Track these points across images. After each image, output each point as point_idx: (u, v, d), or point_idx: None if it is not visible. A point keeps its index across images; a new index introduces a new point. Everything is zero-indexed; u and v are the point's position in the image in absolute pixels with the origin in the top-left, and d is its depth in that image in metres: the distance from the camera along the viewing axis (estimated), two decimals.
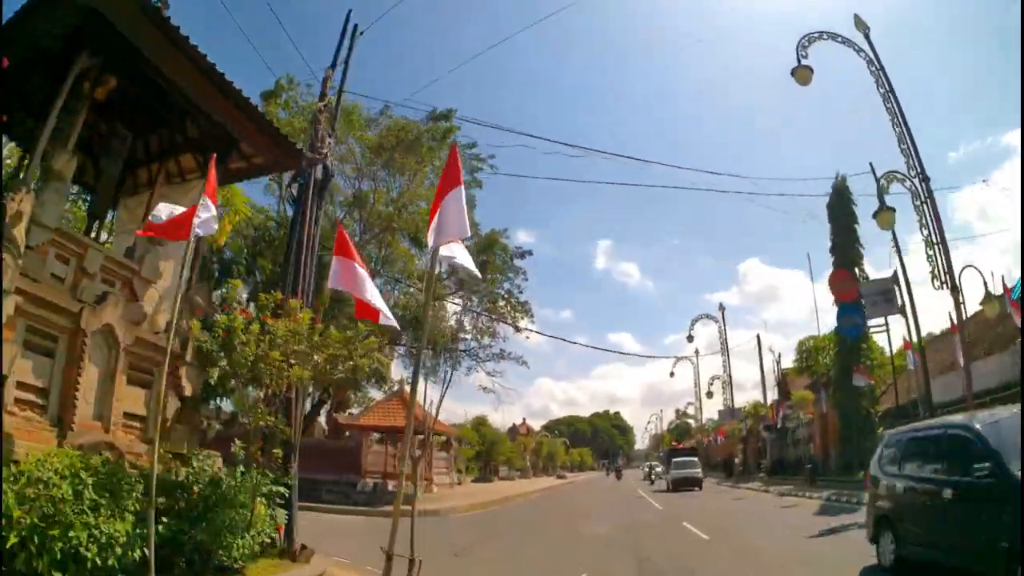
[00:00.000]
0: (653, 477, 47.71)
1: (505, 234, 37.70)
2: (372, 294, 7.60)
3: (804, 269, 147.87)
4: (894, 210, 21.45)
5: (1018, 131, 35.90)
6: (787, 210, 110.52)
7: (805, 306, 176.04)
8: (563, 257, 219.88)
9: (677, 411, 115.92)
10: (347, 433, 31.13)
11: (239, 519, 7.99)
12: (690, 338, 43.92)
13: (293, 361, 9.60)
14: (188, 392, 9.89)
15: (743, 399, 74.21)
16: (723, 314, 47.45)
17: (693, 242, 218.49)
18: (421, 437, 35.67)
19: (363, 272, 7.54)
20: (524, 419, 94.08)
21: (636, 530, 17.67)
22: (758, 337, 42.26)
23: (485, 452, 58.57)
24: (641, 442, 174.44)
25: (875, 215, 21.86)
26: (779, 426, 41.87)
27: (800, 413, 37.47)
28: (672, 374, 68.80)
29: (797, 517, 18.94)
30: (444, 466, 41.86)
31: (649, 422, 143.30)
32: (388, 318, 7.87)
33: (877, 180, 22.91)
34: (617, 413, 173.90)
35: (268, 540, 8.98)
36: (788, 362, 44.06)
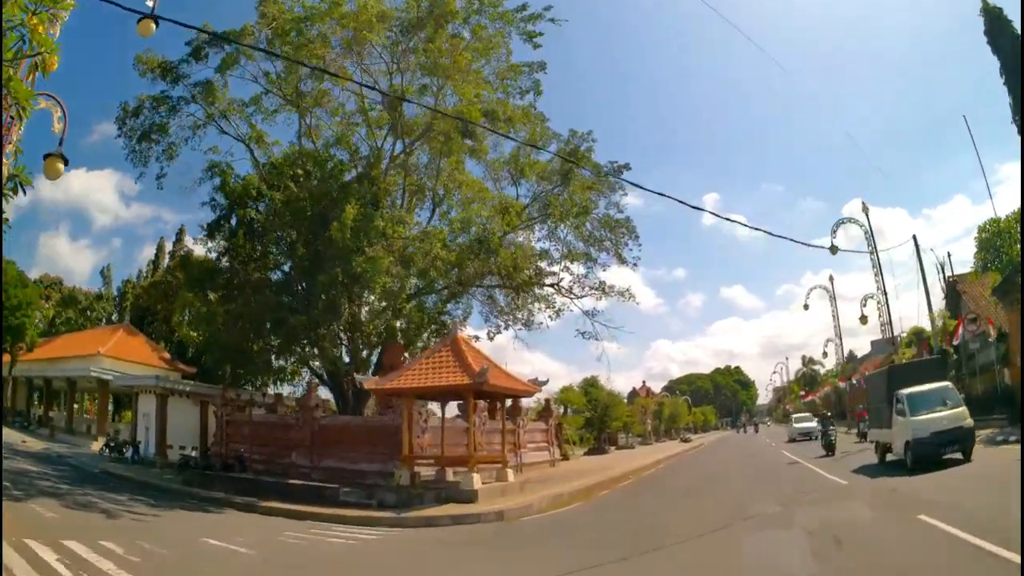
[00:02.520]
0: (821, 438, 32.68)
1: (591, 139, 28.75)
2: None
3: (905, 205, 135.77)
4: None
5: None
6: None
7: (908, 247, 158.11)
8: (670, 215, 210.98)
9: (803, 358, 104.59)
10: (391, 405, 23.38)
11: None
12: (833, 249, 33.65)
13: None
14: None
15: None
16: (868, 214, 36.52)
17: (797, 188, 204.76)
18: (483, 402, 28.42)
19: None
20: (644, 381, 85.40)
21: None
22: (914, 239, 30.87)
23: (597, 419, 50.13)
24: (763, 396, 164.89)
25: None
26: (955, 350, 31.60)
27: (986, 328, 26.90)
28: (807, 306, 59.73)
29: None
30: (541, 438, 33.70)
31: (774, 372, 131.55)
32: None
33: None
34: (738, 368, 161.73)
35: None
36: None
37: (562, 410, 44.27)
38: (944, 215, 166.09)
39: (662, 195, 34.87)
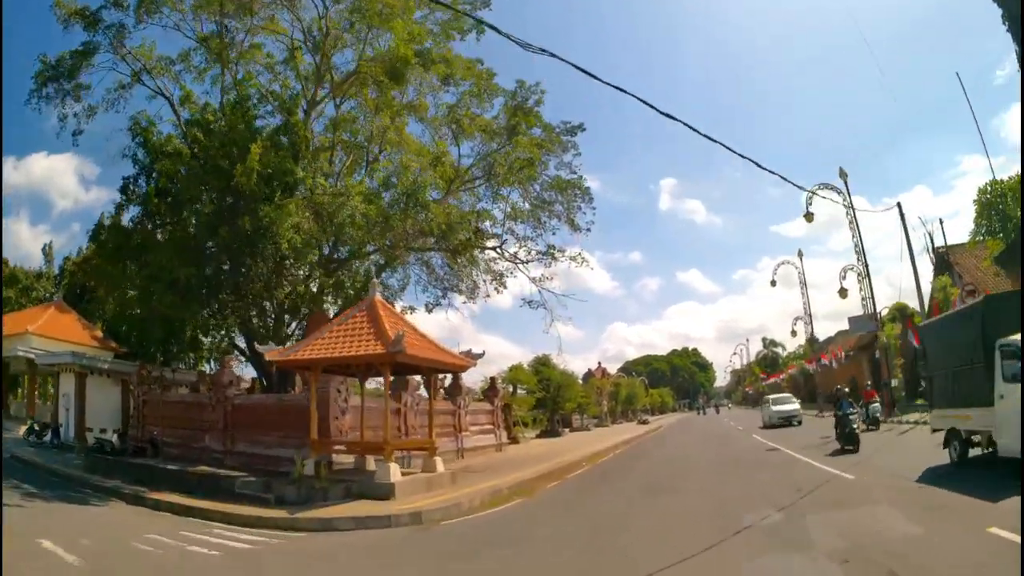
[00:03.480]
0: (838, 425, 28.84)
1: (539, 91, 25.49)
2: None
3: (868, 196, 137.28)
4: None
5: None
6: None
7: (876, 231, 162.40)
8: (629, 200, 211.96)
9: (763, 339, 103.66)
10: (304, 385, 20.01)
11: None
12: (809, 216, 31.44)
13: None
14: None
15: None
16: (847, 182, 33.84)
17: (756, 174, 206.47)
18: (419, 379, 25.19)
19: None
20: (599, 363, 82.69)
21: None
22: (899, 207, 28.16)
23: (550, 400, 47.11)
24: (722, 379, 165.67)
25: None
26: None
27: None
28: (774, 282, 57.17)
29: None
30: (486, 420, 30.58)
31: (734, 353, 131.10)
32: None
33: None
34: (695, 350, 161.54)
35: None
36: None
37: (511, 390, 41.10)
38: (906, 204, 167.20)
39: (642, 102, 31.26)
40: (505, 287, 28.04)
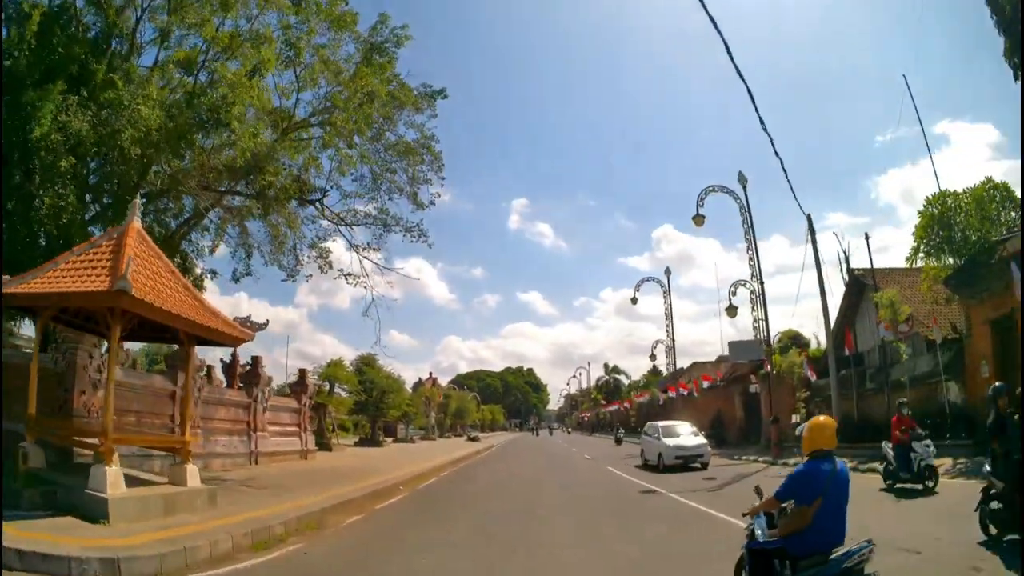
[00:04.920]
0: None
1: (404, 34, 20.80)
2: None
3: (718, 238, 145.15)
4: None
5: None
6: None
7: (715, 276, 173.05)
8: (478, 215, 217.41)
9: (606, 366, 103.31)
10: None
11: None
12: (699, 220, 29.32)
13: None
14: None
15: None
16: (745, 186, 31.66)
17: (608, 204, 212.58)
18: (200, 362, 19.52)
19: None
20: (431, 372, 78.13)
21: None
22: (808, 219, 25.75)
23: (372, 404, 41.88)
24: (555, 402, 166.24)
25: None
26: (853, 360, 26.71)
27: (929, 328, 22.08)
28: (635, 300, 54.91)
29: None
30: (290, 420, 25.17)
31: (574, 376, 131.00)
32: None
33: None
34: (530, 370, 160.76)
35: None
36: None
37: (327, 388, 35.59)
38: (760, 251, 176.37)
39: None
40: (330, 266, 23.01)
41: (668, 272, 55.37)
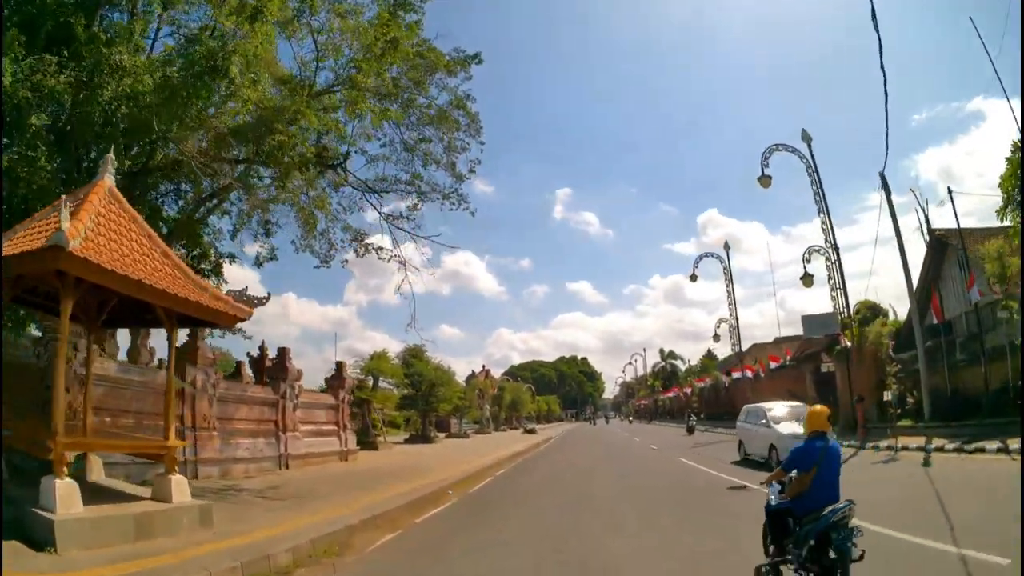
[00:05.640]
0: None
1: None
2: None
3: (763, 220, 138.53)
4: None
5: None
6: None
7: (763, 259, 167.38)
8: (522, 205, 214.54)
9: (661, 351, 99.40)
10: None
11: None
12: (765, 181, 26.35)
13: None
14: None
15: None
16: (810, 145, 28.37)
17: (652, 191, 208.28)
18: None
19: None
20: (484, 365, 75.54)
21: None
22: (882, 176, 22.18)
23: (421, 398, 39.44)
24: (610, 391, 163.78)
25: None
26: (943, 329, 23.04)
27: (1008, 302, 18.82)
28: (694, 277, 50.70)
29: None
30: (326, 418, 22.77)
31: (629, 363, 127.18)
32: None
33: None
34: (584, 359, 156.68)
35: None
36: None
37: (371, 383, 33.15)
38: (805, 232, 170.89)
39: None
40: (366, 249, 20.65)
41: (727, 247, 51.52)
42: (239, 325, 13.84)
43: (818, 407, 6.33)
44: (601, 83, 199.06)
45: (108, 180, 9.86)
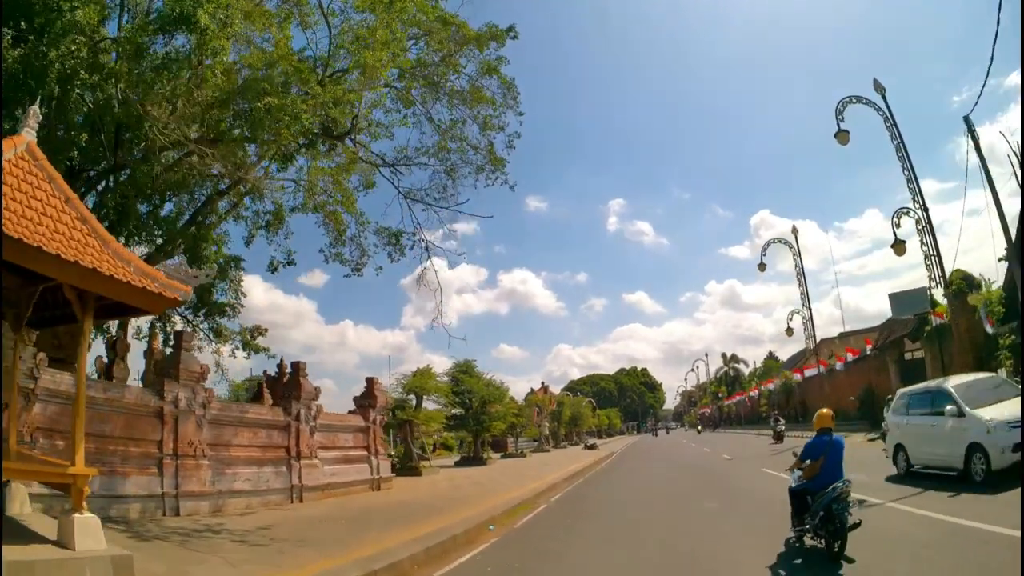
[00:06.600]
0: None
1: None
2: None
3: (815, 219, 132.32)
4: None
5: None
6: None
7: (819, 256, 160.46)
8: (575, 219, 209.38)
9: (723, 356, 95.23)
10: None
11: None
12: (843, 137, 23.06)
13: None
14: None
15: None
16: (884, 96, 25.12)
17: (702, 194, 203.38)
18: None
19: None
20: (543, 382, 72.05)
21: None
22: (966, 121, 18.10)
23: (472, 417, 36.36)
24: (671, 401, 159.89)
25: None
26: None
27: None
28: (762, 266, 47.56)
29: None
30: (354, 442, 19.94)
31: (691, 370, 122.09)
32: None
33: None
34: (644, 370, 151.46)
35: None
36: None
37: (414, 402, 30.13)
38: (856, 227, 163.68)
39: None
40: (402, 253, 18.60)
41: (795, 231, 48.11)
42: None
43: (824, 410, 8.44)
44: (648, 90, 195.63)
45: (25, 135, 7.64)
